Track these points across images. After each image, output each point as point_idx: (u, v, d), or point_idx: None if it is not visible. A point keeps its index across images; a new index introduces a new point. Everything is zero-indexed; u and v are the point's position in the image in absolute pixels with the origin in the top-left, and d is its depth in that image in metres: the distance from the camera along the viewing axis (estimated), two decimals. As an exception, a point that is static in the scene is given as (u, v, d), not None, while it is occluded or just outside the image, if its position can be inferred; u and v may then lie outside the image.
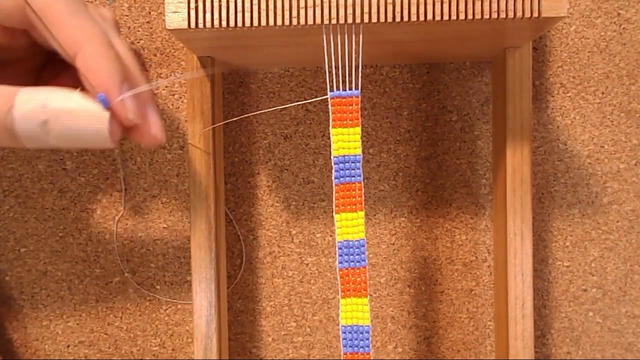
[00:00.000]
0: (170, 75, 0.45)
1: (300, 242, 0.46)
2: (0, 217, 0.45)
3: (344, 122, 0.33)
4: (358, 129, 0.33)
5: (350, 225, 0.33)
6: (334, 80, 0.32)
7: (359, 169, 0.33)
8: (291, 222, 0.46)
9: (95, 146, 0.30)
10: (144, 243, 0.45)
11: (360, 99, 0.33)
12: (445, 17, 0.31)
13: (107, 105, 0.29)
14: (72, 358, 0.46)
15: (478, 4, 0.31)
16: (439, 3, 0.31)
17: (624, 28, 0.44)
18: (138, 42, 0.45)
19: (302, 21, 0.31)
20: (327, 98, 0.33)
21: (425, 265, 0.46)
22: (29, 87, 0.30)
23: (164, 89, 0.45)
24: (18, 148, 0.45)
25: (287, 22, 0.31)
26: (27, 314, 0.46)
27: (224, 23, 0.32)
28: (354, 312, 0.33)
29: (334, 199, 0.33)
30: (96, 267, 0.45)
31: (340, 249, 0.33)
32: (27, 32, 0.31)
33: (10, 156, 0.45)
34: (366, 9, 0.31)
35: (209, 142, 0.40)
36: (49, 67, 0.35)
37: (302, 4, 0.31)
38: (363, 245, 0.33)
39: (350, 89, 0.32)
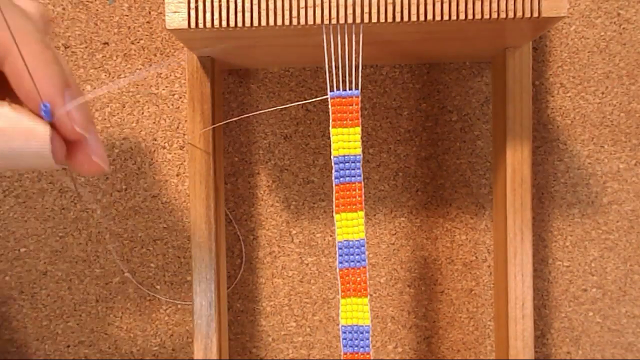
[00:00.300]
0: (170, 75, 0.45)
1: (300, 242, 0.46)
2: (0, 217, 0.45)
3: (344, 122, 0.33)
4: (358, 129, 0.33)
5: (350, 225, 0.33)
6: (334, 80, 0.32)
7: (359, 169, 0.33)
8: (291, 222, 0.45)
9: (38, 167, 0.25)
10: (144, 243, 0.45)
11: (360, 99, 0.33)
12: (445, 17, 0.31)
13: (50, 117, 0.24)
14: (72, 358, 0.46)
15: (478, 4, 0.31)
16: (439, 3, 0.31)
17: (624, 28, 0.44)
18: (138, 42, 0.45)
19: (302, 21, 0.31)
20: (327, 98, 0.33)
21: (425, 265, 0.46)
22: None
23: (164, 89, 0.45)
24: None
25: (287, 22, 0.31)
26: (27, 314, 0.46)
27: (224, 23, 0.32)
28: (354, 312, 0.33)
29: (334, 199, 0.33)
30: (96, 267, 0.45)
31: (340, 249, 0.33)
32: None
33: (10, 156, 0.45)
34: (366, 9, 0.31)
35: (209, 142, 0.40)
36: None
37: (302, 4, 0.31)
38: (363, 245, 0.33)
39: (350, 89, 0.32)
